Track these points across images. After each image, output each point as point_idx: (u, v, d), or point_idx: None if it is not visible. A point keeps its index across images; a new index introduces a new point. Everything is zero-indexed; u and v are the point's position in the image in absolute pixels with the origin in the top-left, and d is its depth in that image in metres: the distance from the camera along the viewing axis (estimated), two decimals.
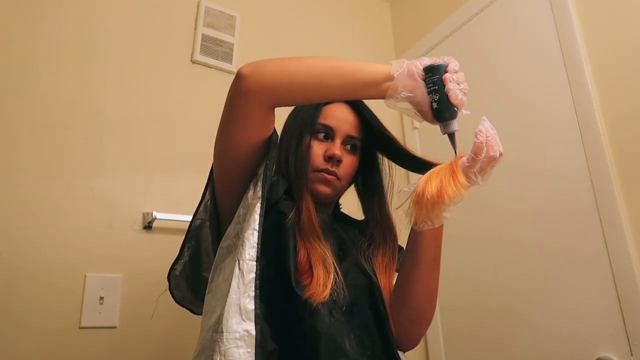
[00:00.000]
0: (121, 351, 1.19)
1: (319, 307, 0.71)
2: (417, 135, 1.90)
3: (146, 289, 1.24)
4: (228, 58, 1.61)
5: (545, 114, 1.39)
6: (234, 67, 1.61)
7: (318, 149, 0.88)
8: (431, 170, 0.72)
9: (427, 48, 1.90)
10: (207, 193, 0.86)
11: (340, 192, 0.94)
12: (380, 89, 0.73)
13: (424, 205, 0.69)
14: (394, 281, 0.88)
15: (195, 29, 1.59)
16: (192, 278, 0.89)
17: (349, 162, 0.90)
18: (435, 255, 0.83)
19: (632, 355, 1.08)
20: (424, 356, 1.65)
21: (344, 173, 0.89)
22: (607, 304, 1.15)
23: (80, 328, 1.15)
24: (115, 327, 1.20)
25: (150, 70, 1.46)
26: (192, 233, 0.86)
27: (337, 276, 0.78)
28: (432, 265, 0.83)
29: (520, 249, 1.38)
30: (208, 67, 1.57)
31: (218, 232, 0.86)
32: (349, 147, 0.91)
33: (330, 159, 0.87)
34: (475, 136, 0.70)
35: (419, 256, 0.82)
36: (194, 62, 1.55)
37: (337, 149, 0.88)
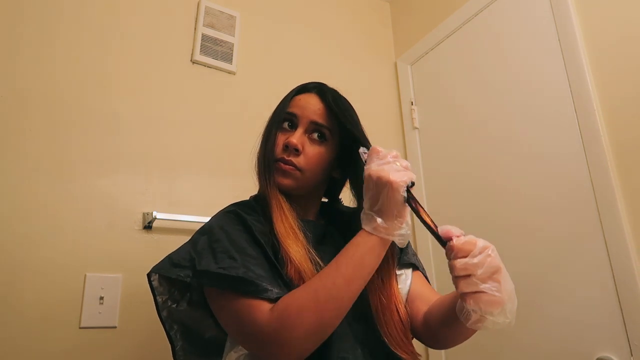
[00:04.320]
0: (121, 351, 1.19)
1: None
2: (417, 135, 1.89)
3: (146, 289, 1.22)
4: (228, 58, 1.61)
5: (545, 114, 1.39)
6: (234, 67, 1.61)
7: (280, 139, 0.83)
8: None
9: (427, 48, 1.90)
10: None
11: (307, 185, 0.85)
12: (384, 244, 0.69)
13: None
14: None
15: (195, 28, 1.59)
16: (198, 346, 0.85)
17: (313, 152, 0.83)
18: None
19: (632, 355, 1.08)
20: (424, 357, 1.65)
21: (305, 164, 0.82)
22: (607, 304, 1.15)
23: (80, 328, 1.15)
24: (115, 327, 1.20)
25: (150, 70, 1.46)
26: (168, 321, 0.82)
27: None
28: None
29: (520, 250, 1.38)
30: (208, 67, 1.57)
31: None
32: (315, 135, 0.84)
33: (286, 147, 0.82)
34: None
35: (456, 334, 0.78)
36: (194, 62, 1.55)
37: (295, 137, 0.82)
